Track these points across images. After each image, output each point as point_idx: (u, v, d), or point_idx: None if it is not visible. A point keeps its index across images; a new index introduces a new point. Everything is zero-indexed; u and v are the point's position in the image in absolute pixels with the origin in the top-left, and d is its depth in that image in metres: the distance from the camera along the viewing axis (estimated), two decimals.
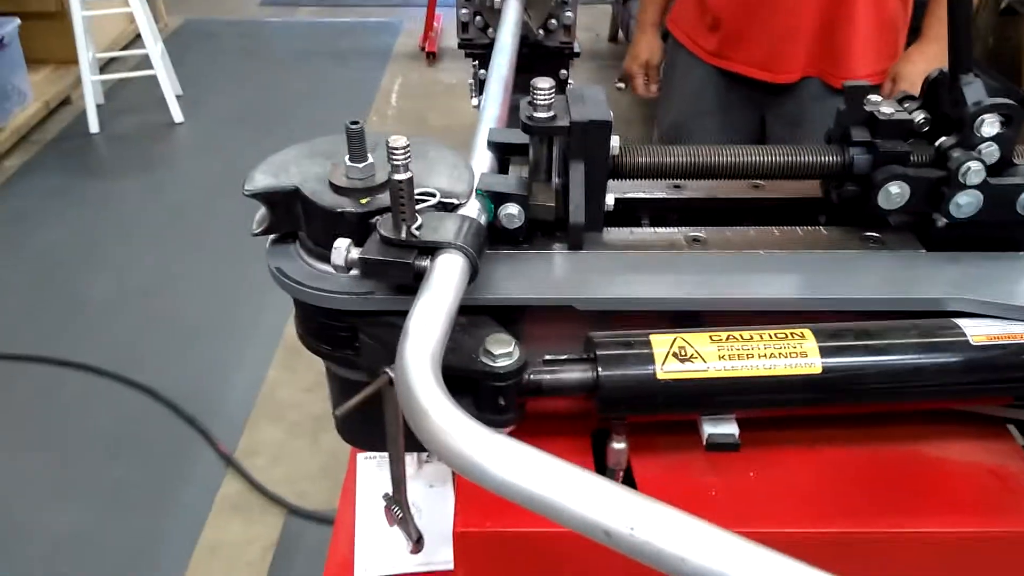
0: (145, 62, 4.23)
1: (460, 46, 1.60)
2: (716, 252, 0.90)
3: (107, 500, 2.18)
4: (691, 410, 0.76)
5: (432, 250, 0.73)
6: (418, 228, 0.74)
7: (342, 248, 0.77)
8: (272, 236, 0.89)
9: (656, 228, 0.95)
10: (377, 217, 0.78)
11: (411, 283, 0.73)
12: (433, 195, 0.80)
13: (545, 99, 0.86)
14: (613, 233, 0.94)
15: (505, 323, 0.85)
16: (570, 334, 0.88)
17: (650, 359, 0.73)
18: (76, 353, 2.63)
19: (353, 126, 0.83)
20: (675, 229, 0.94)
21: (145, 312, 2.87)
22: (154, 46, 4.16)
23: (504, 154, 0.98)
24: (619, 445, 0.79)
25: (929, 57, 1.82)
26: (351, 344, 0.84)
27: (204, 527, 2.07)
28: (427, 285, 0.70)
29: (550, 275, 0.86)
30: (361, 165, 0.84)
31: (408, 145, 0.72)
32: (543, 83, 0.86)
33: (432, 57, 5.11)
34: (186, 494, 2.19)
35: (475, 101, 1.64)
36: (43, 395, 2.52)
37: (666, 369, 0.73)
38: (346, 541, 1.06)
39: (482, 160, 0.95)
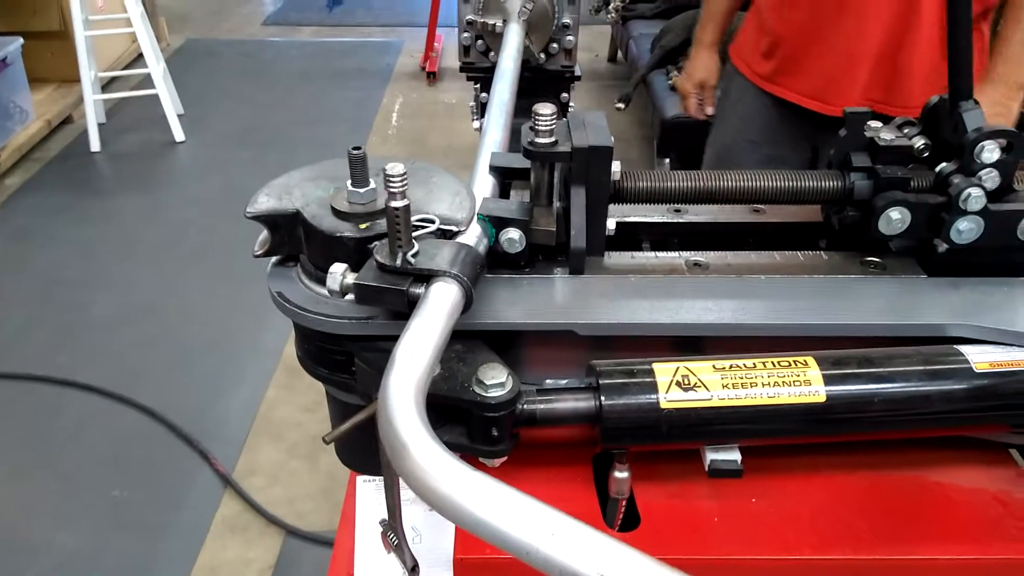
0: (147, 81, 4.25)
1: (462, 69, 1.61)
2: (717, 277, 0.90)
3: (106, 521, 2.16)
4: (695, 440, 0.76)
5: (427, 277, 0.73)
6: (414, 255, 0.74)
7: (337, 273, 0.77)
8: (274, 258, 0.90)
9: (657, 252, 0.95)
10: (375, 243, 0.78)
11: (406, 310, 0.73)
12: (432, 221, 0.80)
13: (546, 125, 0.86)
14: (614, 257, 0.94)
15: (506, 347, 0.85)
16: (571, 359, 0.88)
17: (653, 388, 0.73)
18: (76, 372, 2.63)
19: (355, 151, 0.84)
20: (676, 253, 0.95)
21: (145, 331, 2.86)
22: (156, 65, 4.19)
23: (506, 178, 0.99)
24: (621, 474, 0.79)
25: (990, 100, 1.66)
26: (348, 368, 0.84)
27: (202, 548, 2.05)
28: (419, 313, 0.70)
29: (551, 300, 0.86)
30: (362, 190, 0.84)
31: (405, 173, 0.72)
32: (544, 109, 0.86)
33: (433, 77, 5.14)
34: (184, 515, 2.18)
35: (476, 124, 1.65)
36: (43, 415, 2.51)
37: (669, 398, 0.72)
38: (345, 565, 1.05)
39: (483, 184, 0.95)
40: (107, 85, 4.65)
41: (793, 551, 0.77)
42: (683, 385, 0.73)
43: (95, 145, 4.16)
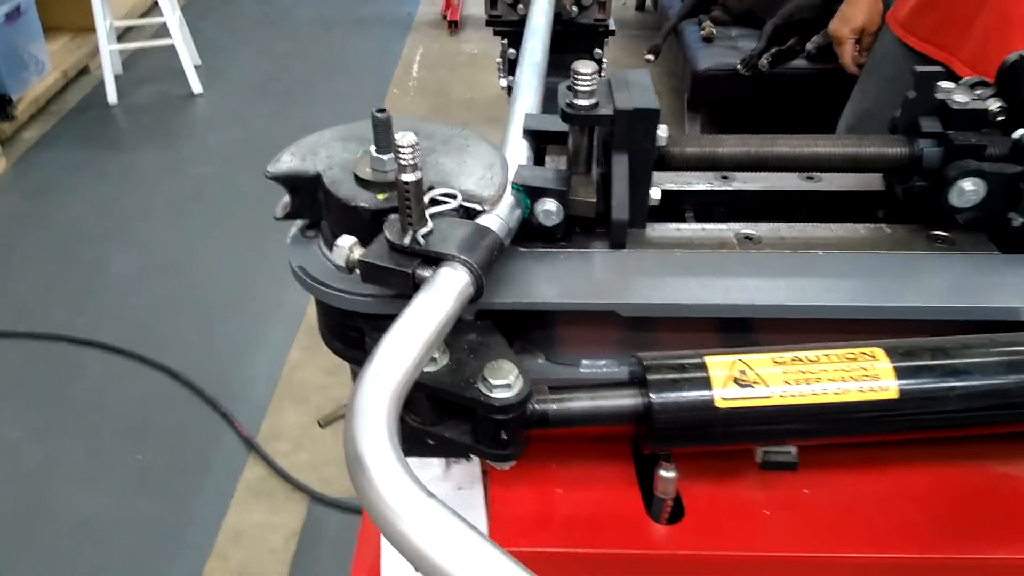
0: (163, 31, 4.17)
1: (488, 23, 1.52)
2: (770, 252, 0.84)
3: (129, 484, 2.16)
4: (752, 441, 0.70)
5: (437, 260, 0.68)
6: (426, 234, 0.69)
7: (344, 247, 0.72)
8: (297, 223, 0.84)
9: (704, 224, 0.89)
10: (390, 216, 0.73)
11: (411, 293, 0.67)
12: (454, 196, 0.74)
13: (587, 85, 0.79)
14: (658, 230, 0.87)
15: (539, 325, 0.80)
16: (610, 337, 0.83)
17: (706, 384, 0.67)
18: (96, 331, 2.62)
19: (379, 114, 0.77)
20: (725, 226, 0.88)
21: (166, 289, 2.84)
22: (172, 14, 4.10)
23: (541, 142, 0.92)
24: (668, 474, 0.74)
25: None
26: (362, 345, 0.79)
27: (227, 513, 2.05)
28: (418, 300, 0.64)
29: (590, 277, 0.81)
30: (385, 157, 0.79)
31: (416, 144, 0.66)
32: (585, 67, 0.79)
33: (454, 26, 5.00)
34: (208, 479, 2.17)
35: (503, 82, 1.57)
36: (64, 375, 2.51)
37: (725, 396, 0.66)
38: (372, 544, 1.02)
39: (517, 150, 0.89)
40: (123, 35, 4.57)
41: (848, 548, 0.72)
42: (740, 381, 0.67)
43: (112, 97, 4.10)
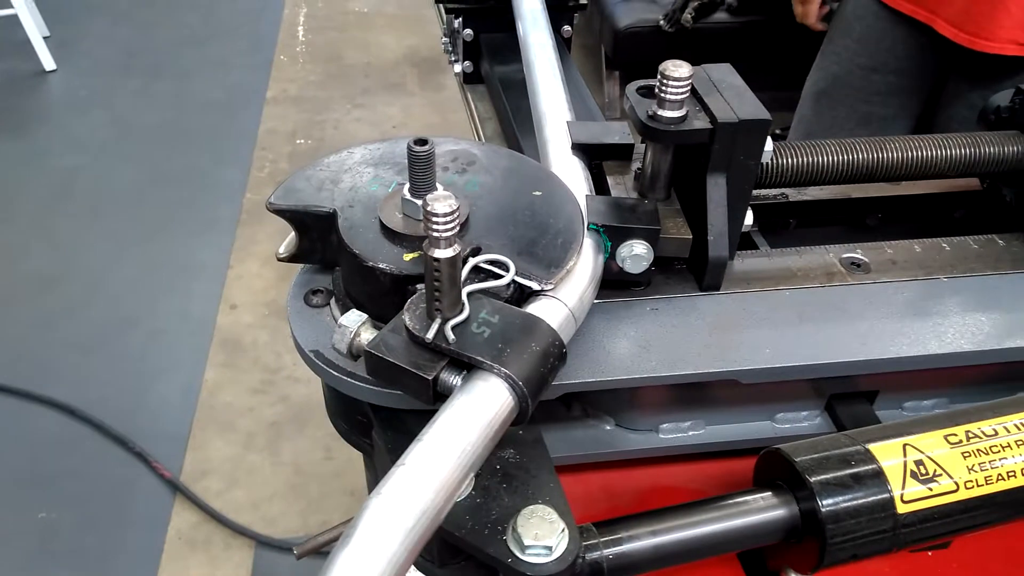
0: None
1: (438, 0, 1.29)
2: (886, 280, 0.71)
3: (33, 550, 1.83)
4: (931, 540, 0.58)
5: (468, 365, 0.50)
6: (458, 325, 0.51)
7: (350, 327, 0.56)
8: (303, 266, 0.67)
9: (799, 248, 0.74)
10: (418, 286, 0.55)
11: (431, 405, 0.50)
12: (506, 268, 0.55)
13: (679, 93, 0.61)
14: (747, 260, 0.72)
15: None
16: (695, 395, 0.68)
17: (882, 484, 0.53)
18: None
19: (418, 148, 0.57)
20: (824, 248, 0.74)
21: (45, 310, 2.43)
22: None
23: (593, 159, 0.73)
24: None
25: None
26: (370, 432, 0.64)
27: (158, 573, 1.76)
28: (437, 425, 0.47)
29: (694, 335, 0.65)
30: (421, 202, 0.58)
31: (456, 211, 0.47)
32: (678, 70, 0.61)
33: None
34: (131, 533, 1.86)
35: (457, 68, 1.36)
36: None
37: (907, 495, 0.53)
38: None
39: (570, 172, 0.70)
40: None
41: None
42: (920, 476, 0.54)
43: None
